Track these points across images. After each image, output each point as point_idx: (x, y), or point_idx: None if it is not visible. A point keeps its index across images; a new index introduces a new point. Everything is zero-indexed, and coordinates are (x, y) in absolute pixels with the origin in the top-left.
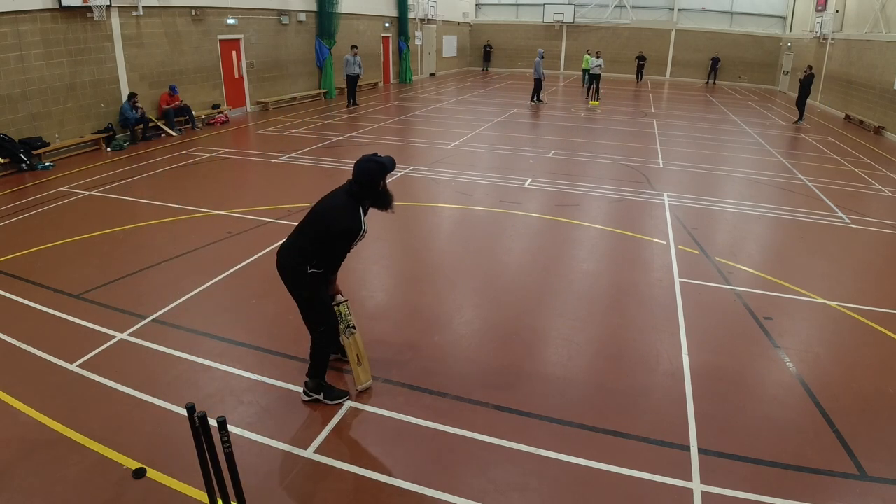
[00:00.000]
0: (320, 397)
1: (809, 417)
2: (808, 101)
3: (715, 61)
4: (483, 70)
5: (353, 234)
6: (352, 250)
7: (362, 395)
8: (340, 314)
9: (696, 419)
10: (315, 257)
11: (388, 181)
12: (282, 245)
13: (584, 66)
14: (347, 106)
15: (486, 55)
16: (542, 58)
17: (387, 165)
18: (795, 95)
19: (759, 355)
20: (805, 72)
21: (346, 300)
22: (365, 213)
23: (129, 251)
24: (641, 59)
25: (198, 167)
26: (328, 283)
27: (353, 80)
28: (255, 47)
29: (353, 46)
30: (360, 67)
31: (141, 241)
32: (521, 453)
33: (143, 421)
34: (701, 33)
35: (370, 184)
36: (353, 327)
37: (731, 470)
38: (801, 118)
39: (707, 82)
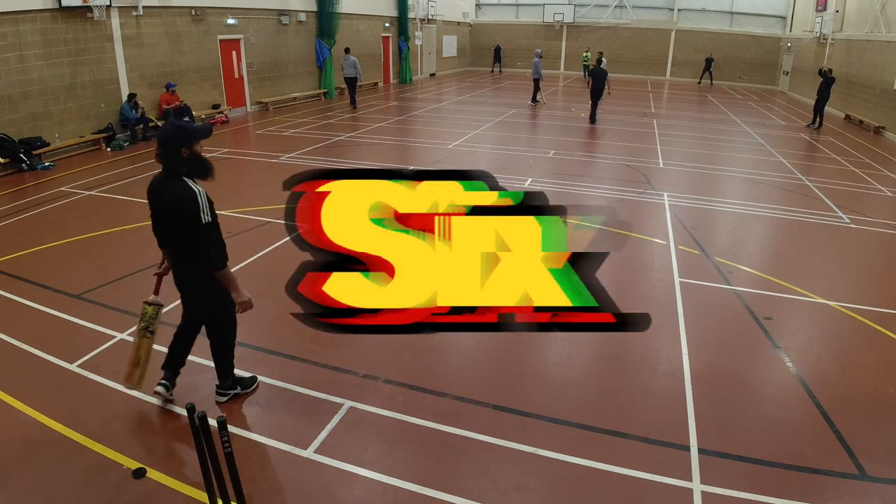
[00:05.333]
0: (237, 391)
1: (809, 417)
2: (808, 101)
3: (709, 62)
4: (492, 71)
5: (199, 197)
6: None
7: (362, 395)
8: (146, 314)
9: (696, 419)
10: (203, 253)
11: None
12: (172, 268)
13: (584, 62)
14: (353, 108)
15: (497, 55)
16: (541, 58)
17: (189, 129)
18: (796, 95)
19: (759, 355)
20: (826, 73)
21: (161, 305)
22: (193, 181)
23: (129, 251)
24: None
25: None
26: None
27: (353, 82)
28: (255, 47)
29: (347, 49)
30: (355, 69)
31: (141, 241)
32: (521, 453)
33: (143, 421)
34: (701, 33)
35: (172, 147)
36: (153, 333)
37: (731, 470)
38: (814, 122)
39: (699, 82)
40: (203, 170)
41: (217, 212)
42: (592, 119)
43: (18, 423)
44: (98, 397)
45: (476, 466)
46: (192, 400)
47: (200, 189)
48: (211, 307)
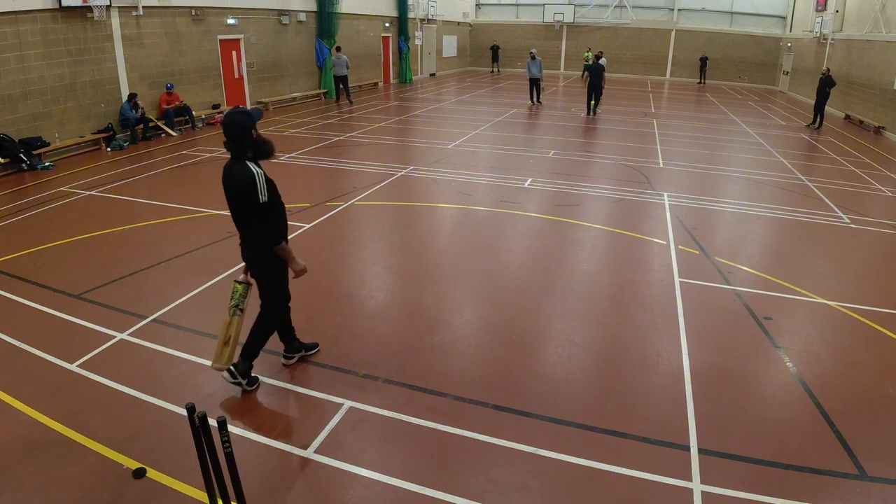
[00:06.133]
0: (243, 382)
1: (809, 417)
2: (808, 101)
3: (704, 61)
4: (492, 71)
5: (257, 179)
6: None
7: (362, 395)
8: (236, 292)
9: (696, 419)
10: (267, 232)
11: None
12: (241, 243)
13: (585, 61)
14: (336, 101)
15: (495, 55)
16: (534, 58)
17: (252, 114)
18: (795, 95)
19: (759, 355)
20: (824, 73)
21: (250, 284)
22: (256, 165)
23: (130, 251)
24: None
25: (198, 167)
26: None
27: (342, 80)
28: (255, 47)
29: (338, 48)
30: (347, 67)
31: (141, 241)
32: (521, 453)
33: (143, 421)
34: (701, 33)
35: (241, 133)
36: (243, 310)
37: (731, 470)
38: (814, 122)
39: (702, 83)
40: (268, 149)
41: (217, 212)
42: (590, 112)
43: (18, 423)
44: (98, 397)
45: (476, 466)
46: (192, 400)
47: (259, 171)
48: (267, 287)
